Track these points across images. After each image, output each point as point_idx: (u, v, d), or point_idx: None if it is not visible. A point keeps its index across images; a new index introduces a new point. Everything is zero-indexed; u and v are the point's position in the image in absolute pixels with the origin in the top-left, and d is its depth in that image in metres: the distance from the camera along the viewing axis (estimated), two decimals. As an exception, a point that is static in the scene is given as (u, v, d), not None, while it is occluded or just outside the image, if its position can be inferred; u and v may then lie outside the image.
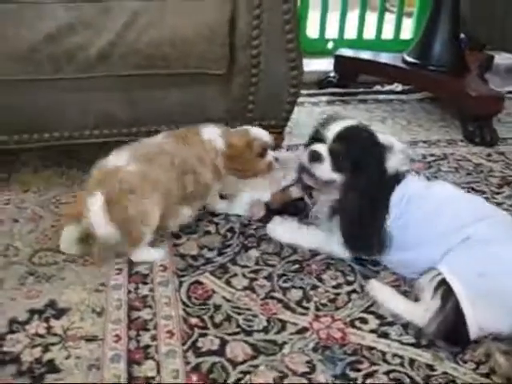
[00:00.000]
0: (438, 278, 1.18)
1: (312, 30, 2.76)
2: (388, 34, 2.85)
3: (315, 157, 1.31)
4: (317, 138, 1.35)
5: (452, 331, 1.16)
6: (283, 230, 1.47)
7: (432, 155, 1.95)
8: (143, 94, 1.62)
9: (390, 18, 2.88)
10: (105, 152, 1.81)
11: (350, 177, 1.31)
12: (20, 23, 1.46)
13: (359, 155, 1.30)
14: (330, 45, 2.76)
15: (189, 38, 1.54)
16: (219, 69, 1.59)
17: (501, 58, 2.75)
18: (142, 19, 1.51)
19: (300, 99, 1.97)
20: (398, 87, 2.53)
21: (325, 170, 1.31)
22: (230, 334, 1.17)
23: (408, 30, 2.89)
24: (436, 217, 1.28)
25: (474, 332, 1.15)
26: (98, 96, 1.60)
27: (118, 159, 1.37)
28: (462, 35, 2.38)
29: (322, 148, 1.31)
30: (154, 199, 1.33)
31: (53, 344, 1.14)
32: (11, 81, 1.51)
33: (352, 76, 2.53)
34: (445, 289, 1.16)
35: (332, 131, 1.31)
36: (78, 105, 1.60)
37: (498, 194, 1.72)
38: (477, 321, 1.14)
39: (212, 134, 1.48)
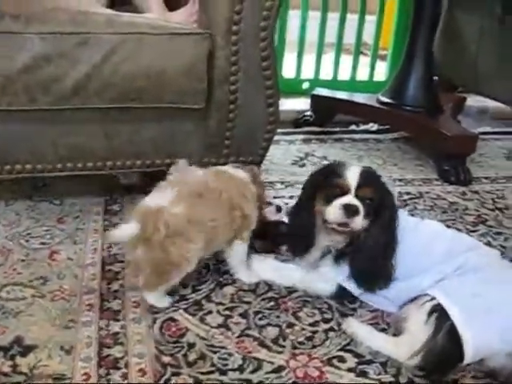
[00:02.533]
0: (430, 303, 1.17)
1: (288, 71, 2.79)
2: (362, 76, 2.89)
3: (354, 211, 1.27)
4: (324, 185, 1.32)
5: (445, 358, 1.15)
6: (262, 267, 1.44)
7: (408, 193, 1.95)
8: (119, 127, 1.60)
9: (364, 61, 2.94)
10: (78, 185, 1.81)
11: (373, 219, 1.29)
12: (-3, 54, 1.45)
13: (382, 197, 1.30)
14: (306, 85, 2.80)
15: (165, 73, 1.54)
16: (196, 103, 1.59)
17: (473, 100, 2.81)
18: (119, 53, 1.50)
19: (276, 137, 1.96)
20: (374, 127, 2.55)
21: (360, 221, 1.28)
22: (204, 373, 1.13)
23: (382, 73, 2.94)
24: (429, 248, 1.30)
25: (469, 356, 1.13)
26: (73, 128, 1.58)
27: (163, 198, 1.29)
28: (435, 77, 2.42)
29: (353, 200, 1.27)
30: (199, 243, 1.29)
31: (18, 383, 1.08)
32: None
33: (328, 115, 2.55)
34: (438, 314, 1.15)
35: (353, 178, 1.28)
36: (52, 137, 1.58)
37: (473, 231, 1.72)
38: (473, 343, 1.12)
39: (242, 173, 1.46)
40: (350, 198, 1.27)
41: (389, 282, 1.30)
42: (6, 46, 1.45)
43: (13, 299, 1.31)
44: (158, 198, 1.29)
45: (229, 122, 1.65)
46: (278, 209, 1.53)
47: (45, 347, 1.17)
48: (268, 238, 1.54)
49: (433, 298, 1.18)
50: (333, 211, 1.27)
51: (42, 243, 1.54)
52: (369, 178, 1.30)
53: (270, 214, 1.52)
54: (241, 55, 1.60)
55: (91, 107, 1.54)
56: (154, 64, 1.53)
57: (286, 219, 1.51)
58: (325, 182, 1.31)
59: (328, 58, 2.87)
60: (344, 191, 1.27)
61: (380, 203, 1.29)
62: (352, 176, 1.28)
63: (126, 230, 1.25)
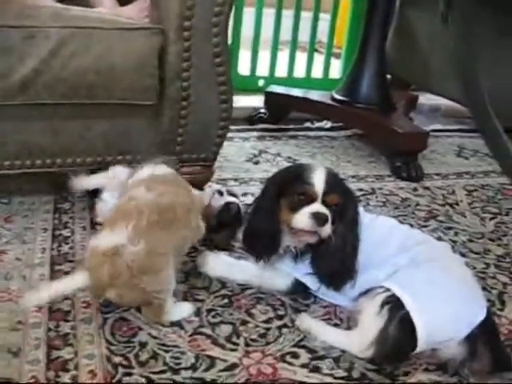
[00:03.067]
0: (383, 294, 1.18)
1: (243, 68, 2.79)
2: (317, 73, 2.91)
3: (324, 220, 1.25)
4: (289, 192, 1.29)
5: (398, 348, 1.16)
6: (214, 263, 1.43)
7: (361, 190, 1.97)
8: (69, 124, 1.57)
9: (319, 59, 2.95)
10: (26, 183, 1.76)
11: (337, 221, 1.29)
12: None
13: (346, 200, 1.30)
14: (261, 82, 2.80)
15: (116, 68, 1.51)
16: (148, 100, 1.56)
17: (425, 98, 2.86)
18: (68, 47, 1.46)
19: (230, 134, 1.97)
20: (328, 124, 2.56)
21: (328, 228, 1.27)
22: (156, 373, 1.11)
23: (336, 70, 2.96)
24: (384, 243, 1.33)
25: (422, 341, 1.15)
26: (20, 125, 1.53)
27: (117, 236, 1.18)
28: (388, 75, 2.45)
29: (322, 208, 1.25)
30: (170, 265, 1.21)
31: (-39, 388, 1.05)
32: None
33: (282, 112, 2.56)
34: (392, 305, 1.16)
35: (319, 185, 1.26)
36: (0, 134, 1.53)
37: (424, 226, 1.75)
38: (427, 328, 1.14)
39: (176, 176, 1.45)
40: (318, 206, 1.25)
41: (355, 279, 1.31)
42: None
43: (-43, 301, 1.27)
44: (114, 236, 1.19)
45: (182, 119, 1.63)
46: (220, 193, 1.51)
47: (-11, 350, 1.14)
48: (222, 229, 1.52)
49: (386, 290, 1.19)
50: (301, 219, 1.26)
51: (-12, 243, 1.50)
52: (334, 182, 1.30)
53: (215, 201, 1.51)
54: (193, 51, 1.58)
55: (40, 103, 1.50)
56: (104, 59, 1.50)
57: (230, 201, 1.51)
58: (290, 189, 1.28)
59: (283, 55, 2.88)
60: (311, 199, 1.26)
61: (344, 206, 1.29)
62: (318, 182, 1.26)
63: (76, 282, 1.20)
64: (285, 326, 1.28)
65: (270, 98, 2.53)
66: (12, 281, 1.35)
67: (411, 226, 1.71)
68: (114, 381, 1.09)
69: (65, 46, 1.46)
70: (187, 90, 1.61)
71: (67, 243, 1.52)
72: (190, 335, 1.22)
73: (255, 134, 2.43)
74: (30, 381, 1.07)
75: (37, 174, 1.65)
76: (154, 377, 1.10)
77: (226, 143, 1.78)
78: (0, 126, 1.52)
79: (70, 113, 1.55)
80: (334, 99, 2.36)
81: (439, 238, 1.66)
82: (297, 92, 2.54)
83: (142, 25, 1.56)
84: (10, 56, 1.44)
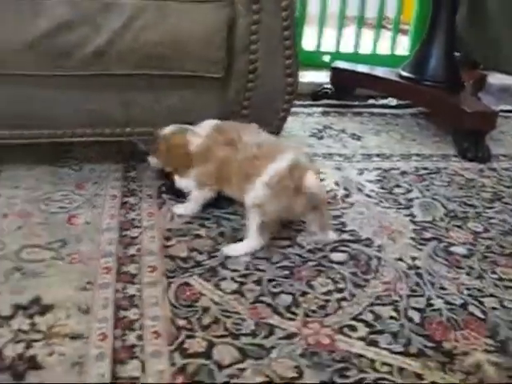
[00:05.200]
0: None
1: (309, 44, 2.77)
2: (383, 50, 2.86)
3: None
4: None
5: None
6: None
7: (425, 169, 1.94)
8: (138, 94, 1.61)
9: (385, 35, 2.91)
10: (96, 152, 1.83)
11: None
12: (19, 18, 1.45)
13: None
14: (326, 58, 2.78)
15: (186, 40, 1.54)
16: (216, 72, 1.59)
17: (494, 78, 2.77)
18: (141, 19, 1.50)
19: (294, 109, 1.97)
20: (393, 102, 2.53)
21: None
22: (217, 337, 1.15)
23: (402, 47, 2.91)
24: None
25: None
26: (93, 95, 1.59)
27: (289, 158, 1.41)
28: (457, 53, 2.39)
29: None
30: None
31: (36, 340, 1.11)
32: (9, 75, 1.50)
33: (348, 89, 2.54)
34: None
35: None
36: (73, 102, 1.59)
37: (489, 208, 1.71)
38: None
39: None
40: None
41: None
42: (28, 12, 1.46)
43: (32, 260, 1.34)
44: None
45: (248, 92, 1.65)
46: None
47: (63, 307, 1.19)
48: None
49: None
50: None
51: (61, 207, 1.56)
52: None
53: None
54: (261, 24, 1.59)
55: (112, 73, 1.54)
56: (175, 31, 1.52)
57: None
58: None
59: (349, 31, 2.85)
60: None
61: None
62: None
63: None
64: (344, 299, 1.28)
65: (336, 73, 2.51)
66: (82, 243, 1.41)
67: (475, 207, 1.69)
68: (176, 342, 1.13)
69: (137, 18, 1.50)
70: (254, 62, 1.62)
71: (134, 210, 1.57)
72: (251, 303, 1.25)
73: (319, 109, 2.43)
74: (99, 337, 1.12)
75: (107, 142, 1.71)
76: (215, 340, 1.14)
77: (290, 118, 1.79)
78: (74, 94, 1.58)
79: (141, 83, 1.59)
80: (400, 76, 2.32)
81: (504, 221, 1.63)
82: (363, 68, 2.51)
83: (212, -3, 1.58)
84: (86, 27, 1.48)
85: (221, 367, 1.08)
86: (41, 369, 1.05)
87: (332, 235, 1.50)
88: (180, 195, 1.60)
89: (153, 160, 1.61)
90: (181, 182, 1.57)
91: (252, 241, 1.44)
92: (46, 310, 1.19)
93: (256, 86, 1.65)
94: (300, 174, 1.40)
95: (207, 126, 1.54)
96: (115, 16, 1.49)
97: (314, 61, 2.71)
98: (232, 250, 1.43)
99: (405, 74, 2.31)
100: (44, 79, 1.53)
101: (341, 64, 2.56)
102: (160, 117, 1.63)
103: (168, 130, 1.56)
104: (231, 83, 1.64)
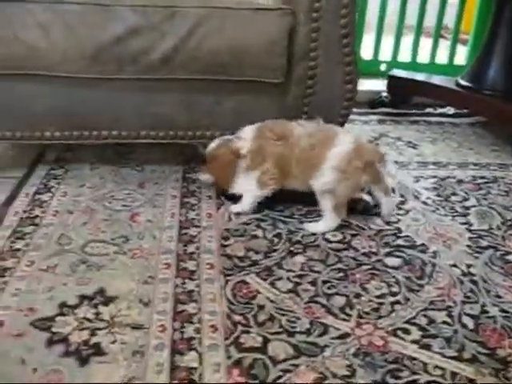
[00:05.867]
0: None
1: (366, 52, 2.78)
2: (440, 59, 2.84)
3: None
4: None
5: None
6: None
7: (482, 177, 1.92)
8: (200, 98, 1.66)
9: (443, 44, 2.88)
10: (158, 153, 1.89)
11: None
12: (90, 24, 1.53)
13: None
14: (383, 67, 2.78)
15: (248, 48, 1.58)
16: (276, 78, 1.63)
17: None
18: (205, 27, 1.56)
19: (351, 117, 1.98)
20: (450, 110, 2.52)
21: None
22: (272, 334, 1.18)
23: (461, 57, 2.88)
24: None
25: None
26: (157, 98, 1.65)
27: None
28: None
29: None
30: None
31: (100, 329, 1.17)
32: (78, 78, 1.58)
33: (405, 97, 2.54)
34: None
35: None
36: (138, 105, 1.66)
37: (547, 219, 1.69)
38: None
39: None
40: None
41: None
42: (98, 18, 1.53)
43: (96, 254, 1.40)
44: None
45: (306, 98, 1.68)
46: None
47: (125, 299, 1.25)
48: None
49: None
50: None
51: (124, 205, 1.63)
52: None
53: None
54: (321, 32, 1.63)
55: (175, 78, 1.60)
56: (238, 38, 1.57)
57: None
58: None
59: (406, 40, 2.84)
60: None
61: None
62: None
63: None
64: (398, 302, 1.29)
65: (393, 81, 2.52)
66: (144, 240, 1.47)
67: (532, 216, 1.68)
68: (232, 337, 1.16)
69: (201, 25, 1.55)
70: (314, 69, 1.66)
71: (194, 210, 1.62)
72: (306, 302, 1.27)
73: (376, 117, 2.44)
74: (159, 328, 1.17)
75: (168, 144, 1.77)
76: (270, 337, 1.17)
77: (346, 125, 1.82)
78: (139, 98, 1.65)
79: (203, 88, 1.65)
80: (458, 85, 2.31)
81: (562, 231, 1.61)
82: (420, 76, 2.51)
83: (274, 6, 1.61)
84: (153, 33, 1.55)
85: (275, 362, 1.11)
86: (104, 355, 1.11)
87: (395, 197, 1.65)
88: (233, 198, 1.65)
89: (204, 176, 1.69)
90: (238, 187, 1.62)
91: (329, 221, 1.55)
92: (109, 300, 1.24)
93: (315, 92, 1.68)
94: (365, 152, 1.52)
95: (249, 129, 1.60)
96: (180, 23, 1.55)
97: (371, 69, 2.71)
98: (313, 227, 1.55)
99: (463, 82, 2.30)
100: (110, 83, 1.60)
101: (398, 72, 2.57)
102: (220, 120, 1.69)
103: (212, 144, 1.64)
104: (290, 89, 1.67)
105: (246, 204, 1.61)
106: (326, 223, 1.55)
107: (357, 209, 1.62)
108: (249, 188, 1.60)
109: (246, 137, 1.59)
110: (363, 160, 1.51)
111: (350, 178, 1.51)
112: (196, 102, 1.67)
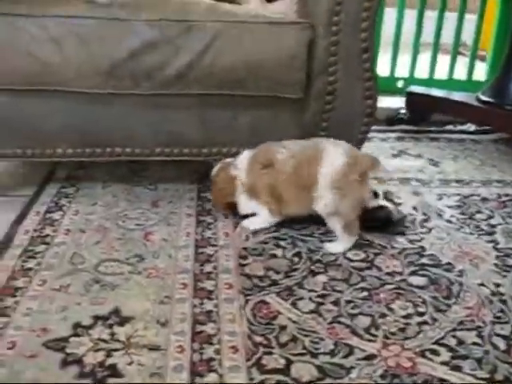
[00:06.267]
0: None
1: (382, 69, 2.79)
2: (458, 76, 2.85)
3: None
4: None
5: None
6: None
7: (507, 195, 1.91)
8: (216, 113, 1.67)
9: (460, 61, 2.89)
10: (171, 171, 1.89)
11: None
12: (105, 39, 1.54)
13: None
14: (400, 83, 2.79)
15: (265, 62, 1.59)
16: (294, 93, 1.63)
17: None
18: (221, 41, 1.57)
19: (369, 134, 1.98)
20: (471, 127, 2.51)
21: None
22: (295, 355, 1.16)
23: (479, 74, 2.88)
24: None
25: None
26: (172, 114, 1.66)
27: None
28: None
29: None
30: None
31: (116, 350, 1.16)
32: (92, 94, 1.59)
33: (423, 114, 2.53)
34: None
35: None
36: (152, 121, 1.66)
37: None
38: None
39: None
40: None
41: None
42: (113, 32, 1.55)
43: (111, 274, 1.40)
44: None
45: (325, 113, 1.68)
46: (376, 194, 1.60)
47: (141, 319, 1.24)
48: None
49: None
50: None
51: (138, 224, 1.63)
52: None
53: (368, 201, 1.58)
54: (341, 46, 1.63)
55: (191, 93, 1.61)
56: (255, 53, 1.58)
57: (383, 205, 1.63)
58: None
59: (423, 57, 2.85)
60: None
61: None
62: None
63: None
64: (425, 323, 1.28)
65: (412, 98, 2.52)
66: (159, 259, 1.47)
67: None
68: (254, 358, 1.15)
69: (217, 39, 1.56)
70: (333, 84, 1.66)
71: (210, 229, 1.62)
72: (329, 323, 1.26)
73: (394, 134, 2.44)
74: (177, 350, 1.16)
75: (182, 162, 1.77)
76: (293, 358, 1.15)
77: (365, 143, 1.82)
78: (153, 114, 1.65)
79: (218, 103, 1.65)
80: (479, 100, 2.31)
81: None
82: (440, 92, 2.51)
83: (291, 19, 1.62)
84: (168, 48, 1.56)
85: (299, 384, 1.09)
86: (121, 377, 1.10)
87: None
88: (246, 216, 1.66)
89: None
90: (244, 209, 1.64)
91: (344, 242, 1.53)
92: (125, 321, 1.24)
93: (334, 108, 1.68)
94: (358, 161, 1.49)
95: (244, 158, 1.62)
96: (196, 38, 1.56)
97: (388, 86, 2.71)
98: (332, 247, 1.53)
99: (484, 98, 2.30)
100: (125, 99, 1.61)
101: (416, 88, 2.57)
102: (237, 136, 1.69)
103: (214, 167, 1.68)
104: (309, 104, 1.68)
105: (258, 223, 1.62)
106: (341, 244, 1.53)
107: (379, 217, 1.62)
108: (256, 209, 1.62)
109: (241, 167, 1.61)
110: (359, 171, 1.47)
111: (350, 194, 1.48)
112: (211, 118, 1.67)
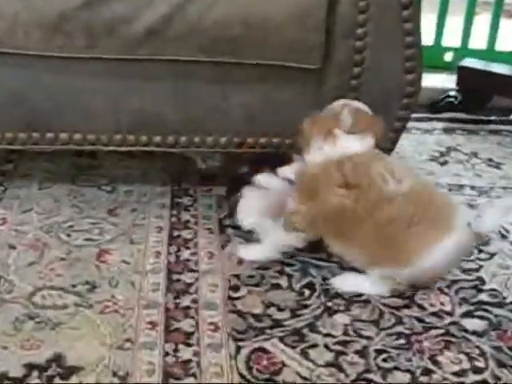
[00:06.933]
0: None
1: (424, 38, 2.79)
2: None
3: None
4: None
5: None
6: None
7: None
8: (199, 89, 1.66)
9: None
10: (137, 167, 1.88)
11: None
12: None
13: None
14: (449, 56, 2.79)
15: (271, 20, 1.59)
16: (309, 63, 1.62)
17: None
18: (210, -12, 1.56)
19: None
20: (545, 117, 2.53)
21: None
22: (306, 426, 1.16)
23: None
24: None
25: None
26: (140, 87, 1.65)
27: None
28: None
29: None
30: None
31: (57, 413, 1.14)
32: (30, 56, 1.57)
33: (480, 98, 2.55)
34: None
35: None
36: (112, 97, 1.66)
37: None
38: None
39: None
40: None
41: None
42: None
43: (50, 307, 1.38)
44: None
45: (351, 91, 1.68)
46: None
47: (92, 370, 1.22)
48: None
49: None
50: None
51: (88, 239, 1.62)
52: None
53: None
54: (372, 0, 1.63)
55: (166, 59, 1.60)
56: (256, 7, 1.58)
57: None
58: None
59: (481, 22, 2.86)
60: None
61: None
62: None
63: None
64: (484, 382, 1.27)
65: (465, 76, 2.52)
66: (118, 288, 1.45)
67: None
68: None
69: (205, -15, 1.56)
70: (362, 51, 1.66)
71: (188, 247, 1.61)
72: (353, 380, 1.25)
73: (441, 125, 2.45)
74: (143, 415, 1.14)
75: (152, 155, 1.76)
76: (306, 429, 1.14)
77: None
78: (115, 87, 1.65)
79: (204, 74, 1.65)
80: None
81: None
82: (502, 69, 2.53)
83: (307, -37, 1.62)
84: (137, -3, 1.55)
85: None
86: None
87: None
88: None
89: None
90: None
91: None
92: (70, 372, 1.22)
93: (362, 84, 1.68)
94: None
95: (318, 153, 1.53)
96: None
97: (432, 60, 2.70)
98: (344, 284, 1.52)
99: None
100: (75, 64, 1.60)
101: (471, 63, 2.58)
102: (229, 121, 1.68)
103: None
104: (328, 79, 1.67)
105: (264, 248, 1.60)
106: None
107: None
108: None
109: (311, 158, 1.54)
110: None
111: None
112: (193, 95, 1.66)
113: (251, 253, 1.60)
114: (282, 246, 1.58)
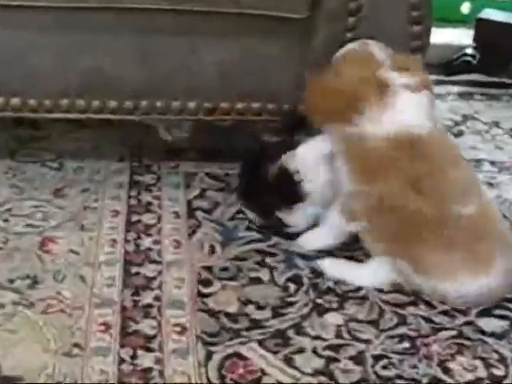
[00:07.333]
0: None
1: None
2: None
3: None
4: None
5: None
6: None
7: None
8: (163, 43, 1.66)
9: None
10: (89, 139, 1.88)
11: None
12: None
13: None
14: (466, 7, 2.80)
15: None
16: (296, 11, 1.63)
17: None
18: None
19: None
20: None
21: None
22: None
23: None
24: None
25: None
26: (91, 41, 1.65)
27: None
28: None
29: None
30: None
31: (-10, 432, 1.15)
32: None
33: (502, 56, 2.55)
34: None
35: None
36: (59, 54, 1.65)
37: None
38: None
39: None
40: None
41: None
42: None
43: (-19, 307, 1.39)
44: None
45: (344, 45, 1.67)
46: None
47: (33, 381, 1.22)
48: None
49: None
50: None
51: (30, 225, 1.62)
52: None
53: None
54: None
55: (123, 7, 1.60)
56: None
57: None
58: None
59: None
60: None
61: None
62: None
63: None
64: (505, 391, 1.29)
65: (484, 30, 2.54)
66: (64, 283, 1.45)
67: None
68: None
69: None
70: (357, -1, 1.66)
71: (150, 234, 1.61)
72: (348, 390, 1.26)
73: (456, 89, 2.46)
74: (93, 433, 1.15)
75: (107, 124, 1.75)
76: None
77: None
78: (59, 39, 1.65)
79: (167, 24, 1.65)
80: None
81: None
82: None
83: None
84: None
85: None
86: None
87: None
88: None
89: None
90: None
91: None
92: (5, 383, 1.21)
93: (358, 37, 1.67)
94: None
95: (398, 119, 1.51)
96: None
97: (445, 12, 2.72)
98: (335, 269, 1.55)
99: None
100: (15, 13, 1.59)
101: (492, 14, 2.59)
102: (199, 81, 1.68)
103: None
104: (319, 31, 1.68)
105: (328, 236, 1.61)
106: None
107: None
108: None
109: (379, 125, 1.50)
110: None
111: None
112: (156, 51, 1.67)
113: (311, 240, 1.62)
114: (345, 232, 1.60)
